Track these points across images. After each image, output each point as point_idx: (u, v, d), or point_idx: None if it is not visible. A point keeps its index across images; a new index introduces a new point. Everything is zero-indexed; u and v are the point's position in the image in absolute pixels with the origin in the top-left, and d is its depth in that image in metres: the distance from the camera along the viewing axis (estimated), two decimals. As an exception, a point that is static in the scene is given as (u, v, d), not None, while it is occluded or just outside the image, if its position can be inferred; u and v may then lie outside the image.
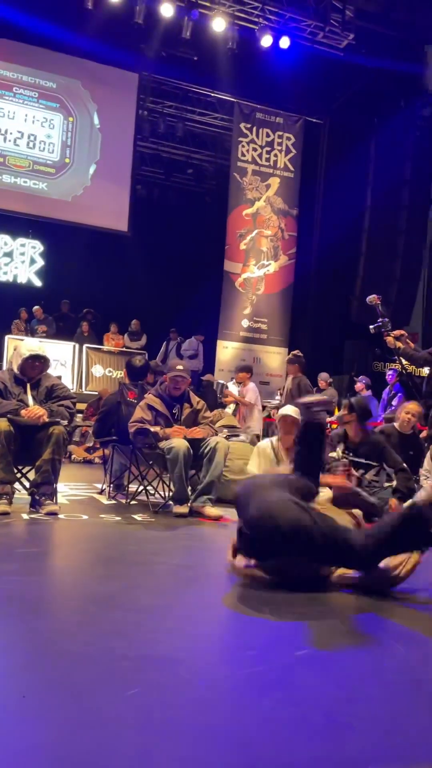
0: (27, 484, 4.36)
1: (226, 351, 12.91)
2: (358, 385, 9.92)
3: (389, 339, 5.27)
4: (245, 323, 12.99)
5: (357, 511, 4.86)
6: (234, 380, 10.82)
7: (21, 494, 4.38)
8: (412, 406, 5.68)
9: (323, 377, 10.11)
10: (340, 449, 5.16)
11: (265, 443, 5.23)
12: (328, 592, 2.60)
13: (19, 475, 4.38)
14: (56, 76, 12.14)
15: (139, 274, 13.16)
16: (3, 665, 1.70)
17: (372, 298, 5.37)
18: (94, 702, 1.50)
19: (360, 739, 1.42)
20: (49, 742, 1.31)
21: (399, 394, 9.39)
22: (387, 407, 9.44)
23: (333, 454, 5.12)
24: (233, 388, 10.46)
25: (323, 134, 13.56)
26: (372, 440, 5.15)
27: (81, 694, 1.55)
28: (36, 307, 12.23)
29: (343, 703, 1.61)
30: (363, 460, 5.09)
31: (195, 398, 5.02)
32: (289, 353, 13.10)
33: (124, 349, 12.33)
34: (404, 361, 5.69)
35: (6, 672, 1.66)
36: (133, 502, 4.98)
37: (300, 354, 8.77)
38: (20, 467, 4.39)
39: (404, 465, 5.03)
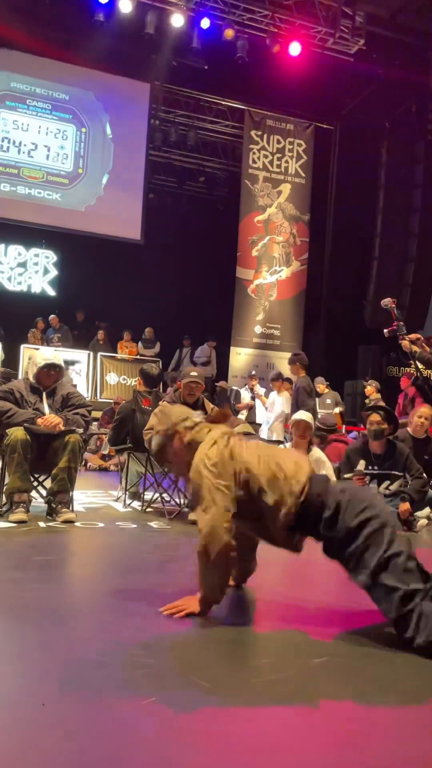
0: (44, 493, 4.39)
1: (239, 357, 12.92)
2: (369, 389, 9.85)
3: (405, 343, 5.23)
4: (258, 329, 13.00)
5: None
6: (247, 386, 10.82)
7: (38, 502, 4.41)
8: (425, 410, 5.64)
9: (320, 380, 10.06)
10: (361, 465, 5.09)
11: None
12: (342, 602, 2.59)
13: (35, 483, 4.42)
14: (69, 88, 12.28)
15: (152, 282, 13.22)
16: (22, 673, 1.71)
17: (387, 302, 5.34)
18: (111, 711, 1.51)
19: (378, 748, 1.42)
20: (68, 750, 1.32)
21: (417, 399, 9.31)
22: (403, 413, 9.37)
23: (357, 469, 5.07)
24: (245, 395, 10.45)
25: (334, 140, 13.58)
26: (397, 450, 5.08)
27: (99, 702, 1.56)
28: (52, 317, 12.34)
29: (360, 711, 1.60)
30: (389, 472, 5.05)
31: (209, 405, 5.03)
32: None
33: (138, 356, 12.39)
34: (420, 365, 5.65)
35: (25, 680, 1.67)
36: (148, 510, 4.99)
37: (298, 353, 8.67)
38: (37, 476, 4.43)
39: (422, 472, 5.00)
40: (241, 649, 2.01)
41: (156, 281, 13.31)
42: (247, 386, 10.90)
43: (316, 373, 11.36)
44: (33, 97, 12.07)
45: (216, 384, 11.71)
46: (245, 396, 10.29)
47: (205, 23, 10.97)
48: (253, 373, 11.43)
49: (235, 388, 11.82)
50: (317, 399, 9.70)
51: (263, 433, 9.09)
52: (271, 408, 9.18)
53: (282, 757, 1.35)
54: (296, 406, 7.58)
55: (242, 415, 10.17)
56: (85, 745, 1.34)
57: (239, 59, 11.29)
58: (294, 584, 3.13)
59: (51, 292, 13.42)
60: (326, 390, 10.50)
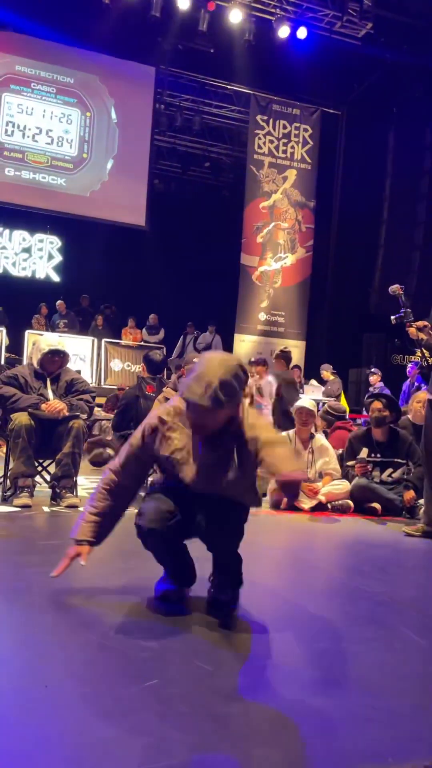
0: (48, 477, 4.41)
1: (244, 344, 12.89)
2: (373, 378, 9.84)
3: (412, 330, 5.20)
4: (262, 316, 12.96)
5: (376, 505, 4.88)
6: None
7: (42, 487, 4.43)
8: (423, 395, 5.64)
9: (326, 368, 10.03)
10: (364, 453, 5.11)
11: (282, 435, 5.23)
12: (346, 584, 2.60)
13: (39, 468, 4.43)
14: (73, 72, 12.17)
15: (156, 269, 13.17)
16: (25, 656, 1.73)
17: (394, 288, 5.31)
18: (113, 692, 1.52)
19: (381, 732, 1.43)
20: (71, 730, 1.34)
21: (423, 387, 9.29)
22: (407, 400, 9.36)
23: (359, 457, 5.09)
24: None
25: (341, 125, 13.45)
26: (400, 437, 5.11)
27: (101, 684, 1.57)
28: (59, 302, 12.33)
29: (365, 696, 1.61)
30: (392, 459, 5.06)
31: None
32: (306, 346, 13.11)
33: (142, 343, 12.37)
34: (426, 353, 5.63)
35: (28, 662, 1.68)
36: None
37: (286, 350, 8.73)
38: (41, 461, 4.44)
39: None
40: (244, 634, 2.02)
41: (160, 267, 13.26)
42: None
43: (321, 361, 11.34)
44: (37, 81, 11.97)
45: None
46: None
47: (211, 6, 10.84)
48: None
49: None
50: (323, 387, 9.70)
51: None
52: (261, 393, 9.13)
53: (285, 738, 1.36)
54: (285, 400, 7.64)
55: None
56: (87, 726, 1.36)
57: (246, 43, 11.16)
58: (295, 570, 3.15)
59: (55, 277, 13.39)
60: (332, 377, 10.50)
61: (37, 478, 4.38)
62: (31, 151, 11.93)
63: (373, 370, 10.05)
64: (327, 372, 10.22)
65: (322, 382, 10.50)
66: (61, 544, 3.23)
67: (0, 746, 1.26)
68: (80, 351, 11.26)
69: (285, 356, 8.50)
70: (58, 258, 13.40)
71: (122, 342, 12.31)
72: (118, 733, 1.33)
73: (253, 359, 9.19)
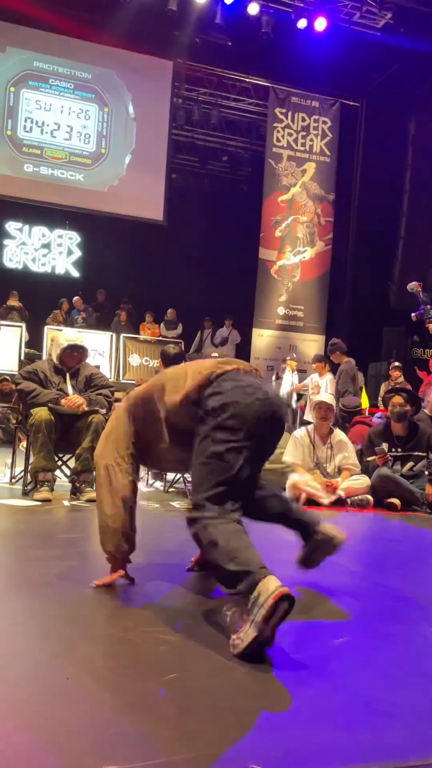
0: (68, 472, 4.45)
1: (262, 339, 12.86)
2: (395, 373, 9.77)
3: (431, 326, 5.18)
4: (281, 311, 12.92)
5: (396, 501, 4.84)
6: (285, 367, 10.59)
7: (62, 482, 4.47)
8: None
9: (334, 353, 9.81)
10: (384, 446, 5.09)
11: (302, 431, 5.21)
12: (365, 579, 2.59)
13: (59, 462, 4.47)
14: (91, 67, 12.19)
15: (174, 263, 13.18)
16: (46, 649, 1.74)
17: (413, 285, 5.28)
18: (134, 685, 1.53)
19: (402, 727, 1.42)
20: (93, 723, 1.35)
21: None
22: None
23: (379, 447, 5.07)
24: (290, 378, 10.27)
25: (360, 117, 13.32)
26: (420, 431, 5.08)
27: (122, 677, 1.58)
28: (76, 298, 12.39)
29: (385, 691, 1.60)
30: (412, 453, 5.04)
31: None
32: (325, 340, 13.02)
33: (160, 338, 12.39)
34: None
35: (49, 655, 1.70)
36: (171, 490, 5.03)
37: (334, 341, 8.64)
38: (61, 455, 4.48)
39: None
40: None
41: (178, 262, 13.27)
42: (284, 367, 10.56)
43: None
44: (56, 77, 12.02)
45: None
46: (287, 379, 10.13)
47: (228, -1, 10.79)
48: (294, 355, 11.25)
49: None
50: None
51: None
52: (318, 391, 9.02)
53: (305, 732, 1.36)
54: (338, 391, 7.60)
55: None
56: (109, 719, 1.37)
57: (264, 35, 11.09)
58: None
59: (75, 273, 13.46)
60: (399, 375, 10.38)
61: (57, 473, 4.42)
62: (49, 147, 11.99)
63: (396, 364, 9.99)
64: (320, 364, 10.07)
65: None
66: (81, 538, 3.26)
67: (23, 736, 1.27)
68: (99, 346, 11.33)
69: (339, 348, 8.40)
70: (78, 253, 13.46)
71: (140, 337, 12.35)
72: (139, 725, 1.34)
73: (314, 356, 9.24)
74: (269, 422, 2.11)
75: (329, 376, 8.63)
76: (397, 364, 9.99)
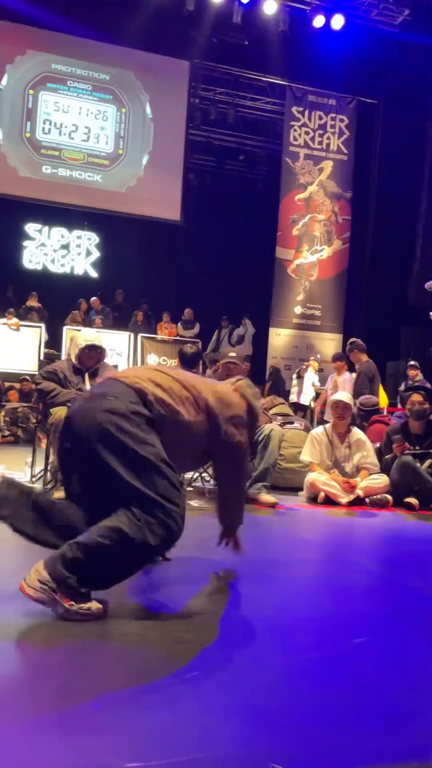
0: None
1: (279, 338, 12.84)
2: (412, 372, 9.70)
3: (448, 325, 5.15)
4: (298, 310, 12.88)
5: (413, 500, 4.81)
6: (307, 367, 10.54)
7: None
8: None
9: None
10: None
11: (319, 430, 5.20)
12: (384, 578, 2.58)
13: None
14: (109, 68, 12.25)
15: (192, 263, 13.20)
16: (67, 646, 1.77)
17: (431, 285, 5.25)
18: (155, 683, 1.55)
19: (423, 729, 1.42)
20: (114, 721, 1.36)
21: None
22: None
23: (396, 436, 5.08)
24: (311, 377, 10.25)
25: (378, 114, 13.23)
26: None
27: (143, 675, 1.60)
28: (93, 298, 12.46)
29: (406, 691, 1.60)
30: (430, 451, 5.03)
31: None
32: (344, 340, 12.96)
33: (177, 337, 12.43)
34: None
35: (70, 653, 1.72)
36: (188, 489, 5.04)
37: (353, 340, 8.58)
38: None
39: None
40: (281, 628, 2.03)
41: (196, 262, 13.28)
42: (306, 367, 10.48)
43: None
44: (73, 78, 12.10)
45: (272, 366, 11.81)
46: (309, 378, 10.12)
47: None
48: (318, 356, 11.18)
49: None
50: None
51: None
52: (337, 389, 8.95)
53: (326, 733, 1.37)
54: (355, 392, 7.55)
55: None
56: (129, 715, 1.38)
57: (280, 34, 11.07)
58: (332, 564, 3.13)
59: (93, 273, 13.54)
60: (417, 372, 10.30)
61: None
62: (67, 148, 12.08)
63: (412, 363, 9.91)
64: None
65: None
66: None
67: (43, 733, 1.29)
68: (117, 346, 11.39)
69: (357, 346, 8.33)
70: (96, 254, 13.54)
71: (158, 337, 12.39)
72: (161, 723, 1.35)
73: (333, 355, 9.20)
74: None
75: (347, 375, 8.58)
76: (413, 363, 9.92)
